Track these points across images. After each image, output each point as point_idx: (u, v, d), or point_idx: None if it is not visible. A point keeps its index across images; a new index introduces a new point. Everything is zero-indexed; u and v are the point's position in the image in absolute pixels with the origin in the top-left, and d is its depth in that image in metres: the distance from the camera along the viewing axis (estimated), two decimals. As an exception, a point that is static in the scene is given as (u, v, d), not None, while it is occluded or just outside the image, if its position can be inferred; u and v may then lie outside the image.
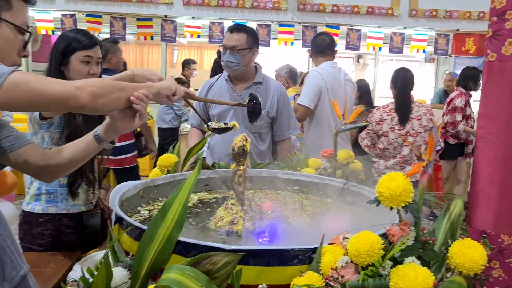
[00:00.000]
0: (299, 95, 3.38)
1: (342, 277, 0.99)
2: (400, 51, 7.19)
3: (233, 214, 1.49)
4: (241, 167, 1.53)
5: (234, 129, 1.68)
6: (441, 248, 1.10)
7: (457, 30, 7.03)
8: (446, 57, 8.20)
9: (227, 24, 6.79)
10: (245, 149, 1.51)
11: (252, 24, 6.87)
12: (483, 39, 6.70)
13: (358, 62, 11.08)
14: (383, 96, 9.60)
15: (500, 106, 2.51)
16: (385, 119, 3.53)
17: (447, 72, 8.88)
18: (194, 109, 1.83)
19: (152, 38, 6.99)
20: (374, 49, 7.18)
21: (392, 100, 3.65)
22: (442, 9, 6.80)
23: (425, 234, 1.05)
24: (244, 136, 1.54)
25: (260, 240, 1.42)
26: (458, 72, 8.53)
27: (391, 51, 7.19)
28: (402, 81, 3.56)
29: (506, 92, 2.49)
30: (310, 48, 3.41)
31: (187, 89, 1.45)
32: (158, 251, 1.08)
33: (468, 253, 0.99)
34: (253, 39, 2.51)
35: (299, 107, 3.11)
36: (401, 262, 0.99)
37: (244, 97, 2.51)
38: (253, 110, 1.78)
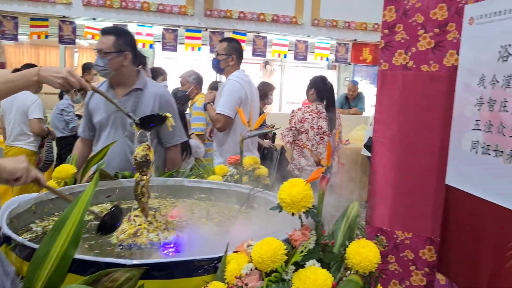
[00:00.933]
0: (210, 103, 3.33)
1: (246, 285, 0.99)
2: (305, 58, 7.50)
3: (137, 226, 1.44)
4: (144, 177, 1.48)
5: (168, 123, 1.61)
6: (340, 249, 1.15)
7: (355, 40, 7.51)
8: (346, 65, 8.72)
9: (132, 27, 6.58)
10: (148, 158, 1.47)
11: (158, 28, 6.74)
12: (377, 49, 7.22)
13: (266, 68, 11.35)
14: (289, 101, 9.93)
15: (392, 111, 2.72)
16: (307, 118, 3.85)
17: (347, 79, 9.44)
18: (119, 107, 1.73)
19: (46, 37, 6.51)
20: (279, 56, 7.41)
21: (305, 103, 3.89)
22: (341, 20, 7.23)
23: (324, 237, 1.09)
24: (147, 145, 1.50)
25: (165, 252, 1.38)
26: (357, 79, 9.15)
27: (296, 58, 7.47)
28: (330, 93, 3.88)
29: (397, 99, 2.70)
30: (232, 55, 3.25)
31: (40, 176, 1.33)
32: (51, 271, 1.01)
33: (363, 253, 1.04)
34: (125, 42, 2.38)
35: (221, 116, 3.02)
36: (303, 266, 1.02)
37: (124, 103, 2.39)
38: (110, 220, 1.54)
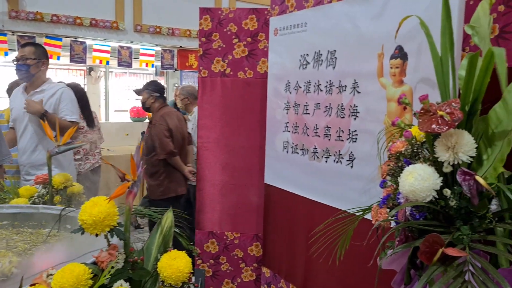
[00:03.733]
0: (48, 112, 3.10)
1: (45, 321, 0.89)
2: (129, 65, 7.27)
3: None
4: None
5: None
6: (153, 263, 1.12)
7: (180, 46, 7.57)
8: (173, 71, 8.73)
9: None
10: None
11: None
12: (202, 55, 7.41)
13: (90, 75, 10.69)
14: (118, 109, 9.50)
15: (214, 117, 2.81)
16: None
17: (176, 85, 9.47)
18: None
19: None
20: (101, 62, 7.04)
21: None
22: (165, 27, 7.19)
23: (133, 254, 1.05)
24: None
25: None
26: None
27: (120, 64, 7.18)
28: (84, 98, 4.23)
29: (218, 104, 2.80)
30: (42, 59, 3.08)
31: None
32: None
33: (174, 264, 1.03)
34: None
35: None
36: (110, 289, 0.96)
37: None
38: None
